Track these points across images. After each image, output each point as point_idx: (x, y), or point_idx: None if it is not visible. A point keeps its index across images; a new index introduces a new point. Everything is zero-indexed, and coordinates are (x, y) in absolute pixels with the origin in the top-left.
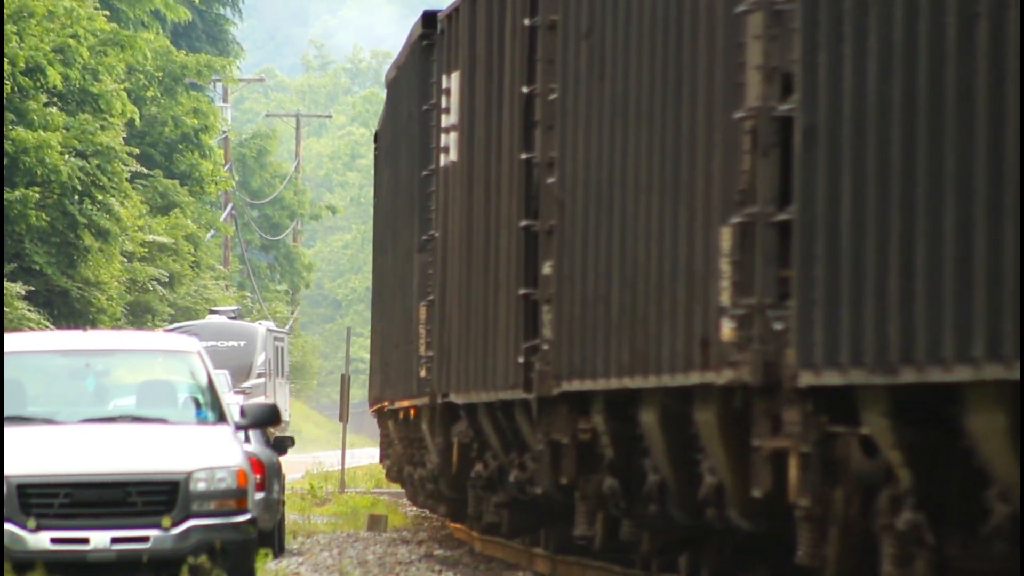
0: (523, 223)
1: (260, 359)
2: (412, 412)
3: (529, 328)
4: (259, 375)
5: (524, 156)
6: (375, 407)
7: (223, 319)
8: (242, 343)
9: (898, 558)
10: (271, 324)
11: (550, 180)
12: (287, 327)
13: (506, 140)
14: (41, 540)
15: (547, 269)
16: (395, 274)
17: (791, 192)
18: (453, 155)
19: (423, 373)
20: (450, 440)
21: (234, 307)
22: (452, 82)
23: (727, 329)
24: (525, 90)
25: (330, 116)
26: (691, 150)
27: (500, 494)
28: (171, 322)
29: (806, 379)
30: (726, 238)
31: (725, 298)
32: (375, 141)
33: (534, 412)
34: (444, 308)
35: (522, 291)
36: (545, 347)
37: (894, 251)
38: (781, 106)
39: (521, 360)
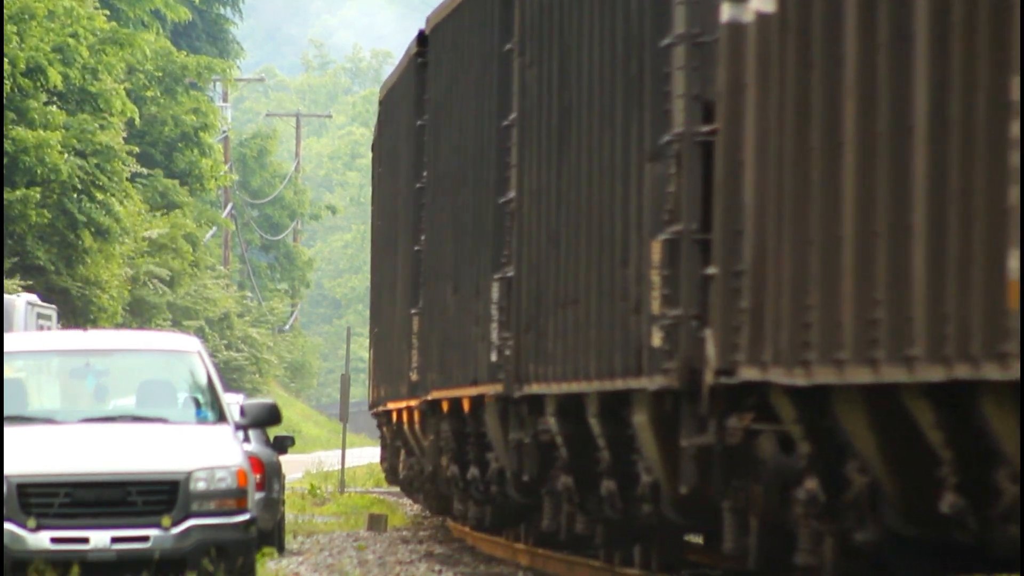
0: None
1: None
2: (589, 402)
3: None
4: None
5: None
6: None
7: None
8: None
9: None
10: (33, 297)
11: None
12: (287, 326)
13: None
14: (41, 540)
15: None
16: (558, 205)
17: None
18: (761, 2)
19: (657, 341)
20: (722, 441)
21: None
22: None
23: None
24: None
25: (330, 116)
26: None
27: (868, 530)
28: (172, 322)
29: None
30: None
31: None
32: (420, 44)
33: None
34: (736, 239)
35: None
36: None
37: None
38: None
39: None
